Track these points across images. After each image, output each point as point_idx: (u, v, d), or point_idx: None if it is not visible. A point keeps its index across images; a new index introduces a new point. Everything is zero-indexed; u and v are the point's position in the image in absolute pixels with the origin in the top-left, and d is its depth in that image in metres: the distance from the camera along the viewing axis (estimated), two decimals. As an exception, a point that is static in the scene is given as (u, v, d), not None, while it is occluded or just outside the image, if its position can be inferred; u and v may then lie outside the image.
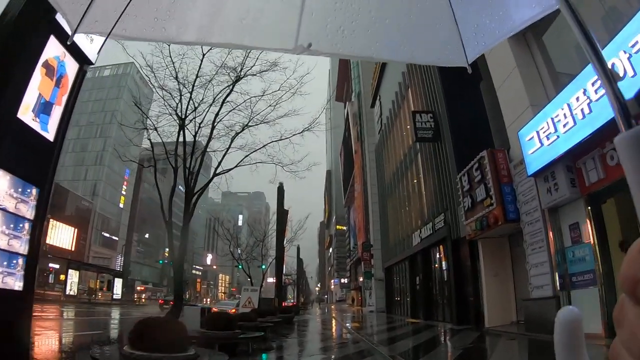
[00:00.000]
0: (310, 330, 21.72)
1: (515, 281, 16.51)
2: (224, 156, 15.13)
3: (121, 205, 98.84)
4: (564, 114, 10.73)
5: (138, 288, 71.72)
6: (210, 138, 15.10)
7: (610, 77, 0.73)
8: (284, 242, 35.82)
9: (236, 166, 15.43)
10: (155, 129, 15.41)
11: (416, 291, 26.90)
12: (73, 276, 40.19)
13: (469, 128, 18.79)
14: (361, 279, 58.20)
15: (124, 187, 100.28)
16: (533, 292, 12.85)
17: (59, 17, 3.46)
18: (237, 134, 15.46)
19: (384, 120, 37.76)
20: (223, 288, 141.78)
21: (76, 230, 72.61)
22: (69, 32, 1.79)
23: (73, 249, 70.71)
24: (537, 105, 12.57)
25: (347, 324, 23.65)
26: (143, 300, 69.59)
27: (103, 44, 2.35)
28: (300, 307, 44.58)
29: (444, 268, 22.09)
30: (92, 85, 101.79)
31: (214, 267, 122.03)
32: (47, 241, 63.89)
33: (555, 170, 11.66)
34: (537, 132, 12.08)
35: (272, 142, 16.14)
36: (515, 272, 16.57)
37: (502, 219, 14.37)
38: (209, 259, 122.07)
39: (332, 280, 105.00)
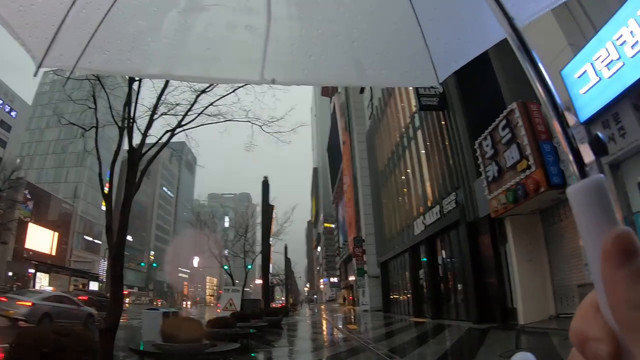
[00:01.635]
0: (301, 335, 18.11)
1: (552, 267, 13.13)
2: (186, 113, 11.39)
3: (103, 208, 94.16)
4: (631, 32, 8.10)
5: (121, 292, 67.23)
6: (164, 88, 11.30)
7: (563, 123, 0.63)
8: (270, 239, 32.42)
9: (198, 115, 11.68)
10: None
11: (419, 286, 23.38)
12: (42, 279, 36.14)
13: (480, 93, 16.06)
14: (352, 278, 55.81)
15: (106, 189, 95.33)
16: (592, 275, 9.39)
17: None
18: (203, 91, 11.70)
19: (375, 103, 34.70)
20: (211, 290, 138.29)
21: (57, 234, 69.40)
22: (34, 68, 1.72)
23: (54, 254, 66.97)
24: (575, 45, 10.38)
25: (343, 327, 20.08)
26: (126, 305, 65.37)
27: (69, 77, 2.38)
28: (289, 308, 40.87)
29: (457, 257, 18.64)
30: (72, 85, 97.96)
31: (201, 269, 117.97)
32: (27, 245, 60.60)
33: (619, 111, 8.81)
34: (592, 64, 9.23)
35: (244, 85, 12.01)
36: (551, 256, 13.19)
37: (544, 184, 10.97)
38: (195, 261, 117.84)
39: (322, 280, 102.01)
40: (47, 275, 37.55)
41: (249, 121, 12.70)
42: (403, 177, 26.62)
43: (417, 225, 22.96)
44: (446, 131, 18.72)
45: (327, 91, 75.72)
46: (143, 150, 10.54)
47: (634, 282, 0.44)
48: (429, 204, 21.36)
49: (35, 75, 1.80)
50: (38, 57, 1.66)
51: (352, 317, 28.97)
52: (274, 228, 32.86)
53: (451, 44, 1.85)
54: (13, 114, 69.97)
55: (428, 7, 1.75)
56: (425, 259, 22.31)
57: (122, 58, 1.78)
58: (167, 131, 11.07)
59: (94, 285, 43.72)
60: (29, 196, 67.42)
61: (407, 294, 26.16)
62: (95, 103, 12.03)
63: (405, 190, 26.35)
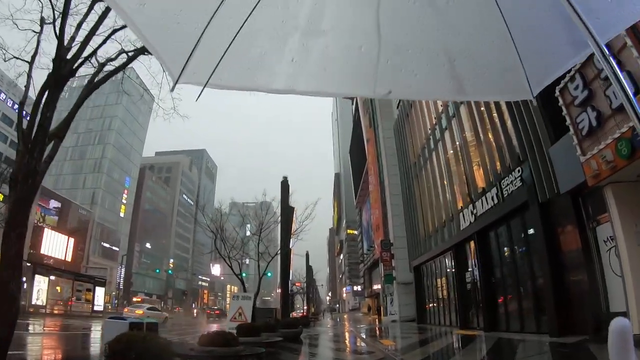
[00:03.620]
0: (325, 354, 14.00)
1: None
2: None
3: (122, 215, 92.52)
4: None
5: (134, 299, 64.13)
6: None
7: None
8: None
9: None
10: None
11: (466, 292, 19.23)
12: (41, 283, 32.78)
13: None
14: (376, 286, 52.47)
15: (125, 195, 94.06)
16: None
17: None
18: None
19: (404, 88, 30.24)
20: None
21: (72, 239, 66.19)
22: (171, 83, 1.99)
23: (70, 260, 64.20)
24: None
25: (375, 341, 16.12)
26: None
27: (200, 94, 2.12)
28: (310, 318, 36.82)
29: (522, 251, 14.56)
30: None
31: (222, 277, 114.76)
32: (42, 251, 58.30)
33: None
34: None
35: None
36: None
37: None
38: (216, 269, 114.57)
39: (344, 288, 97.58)
40: (47, 278, 34.04)
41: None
42: (442, 165, 22.57)
43: (463, 217, 18.88)
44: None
45: (349, 93, 72.27)
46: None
47: None
48: (481, 190, 17.33)
49: (172, 90, 2.94)
50: (175, 74, 1.92)
51: (382, 328, 24.84)
52: (294, 229, 29.07)
53: (543, 60, 2.01)
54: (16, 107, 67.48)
55: (523, 28, 1.93)
56: (474, 258, 18.25)
57: (248, 75, 2.05)
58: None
59: (100, 291, 40.09)
60: (57, 204, 66.00)
61: (448, 301, 21.99)
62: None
63: (445, 178, 22.29)
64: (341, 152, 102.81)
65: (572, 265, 11.66)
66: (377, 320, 42.11)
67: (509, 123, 14.74)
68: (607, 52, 0.80)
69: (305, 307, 56.01)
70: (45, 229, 60.89)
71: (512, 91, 2.19)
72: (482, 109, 17.17)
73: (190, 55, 1.83)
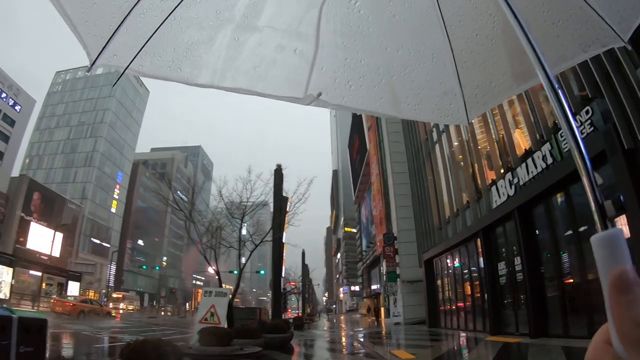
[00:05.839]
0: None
1: None
2: None
3: (113, 210, 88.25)
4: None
5: (114, 295, 59.79)
6: None
7: (592, 182, 0.73)
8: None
9: None
10: None
11: (498, 288, 15.01)
12: (3, 274, 28.36)
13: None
14: (375, 286, 49.69)
15: (117, 190, 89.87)
16: None
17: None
18: None
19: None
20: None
21: (61, 235, 62.16)
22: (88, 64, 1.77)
23: (57, 255, 59.67)
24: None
25: (386, 352, 11.95)
26: (120, 310, 57.62)
27: (119, 79, 1.97)
28: (305, 319, 32.51)
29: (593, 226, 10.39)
30: (84, 84, 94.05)
31: (216, 277, 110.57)
32: (28, 246, 54.02)
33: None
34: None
35: None
36: None
37: None
38: (211, 268, 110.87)
39: (341, 289, 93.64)
40: (11, 269, 29.61)
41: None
42: (464, 131, 18.30)
43: (497, 192, 14.72)
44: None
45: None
46: None
47: (635, 305, 0.52)
48: (524, 152, 13.24)
49: (88, 71, 1.81)
50: (93, 55, 1.69)
51: (389, 333, 20.52)
52: (287, 219, 24.66)
53: (483, 87, 1.94)
54: (17, 108, 63.91)
55: (466, 51, 1.86)
56: (512, 244, 14.11)
57: (173, 66, 1.82)
58: None
59: (74, 286, 35.68)
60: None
61: (472, 300, 17.71)
62: None
63: (468, 149, 18.14)
64: (339, 149, 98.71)
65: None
66: (375, 322, 38.31)
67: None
68: (556, 85, 0.78)
69: (300, 308, 51.79)
70: (32, 223, 56.47)
71: (447, 115, 2.03)
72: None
73: (112, 36, 1.62)
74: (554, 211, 12.32)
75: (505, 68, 1.82)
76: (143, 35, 1.67)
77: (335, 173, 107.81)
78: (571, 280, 11.50)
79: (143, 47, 1.69)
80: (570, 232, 11.45)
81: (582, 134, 8.77)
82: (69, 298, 34.33)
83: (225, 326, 12.45)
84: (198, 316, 13.52)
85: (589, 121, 9.94)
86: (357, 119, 56.80)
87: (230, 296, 14.22)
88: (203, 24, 1.77)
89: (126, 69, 1.73)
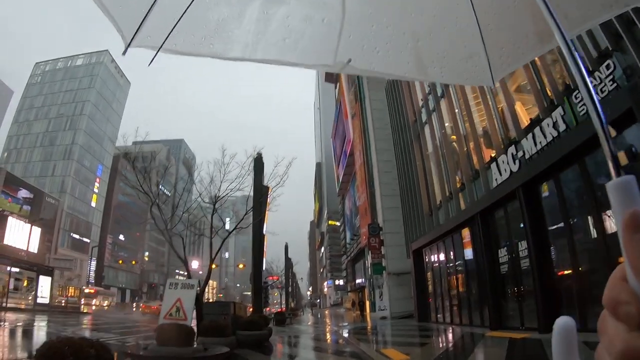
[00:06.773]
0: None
1: None
2: None
3: (93, 204, 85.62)
4: None
5: (86, 291, 57.39)
6: None
7: (606, 134, 0.74)
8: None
9: None
10: None
11: (499, 277, 13.41)
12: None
13: None
14: (359, 280, 48.73)
15: (97, 184, 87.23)
16: None
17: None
18: None
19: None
20: (211, 295, 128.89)
21: (37, 229, 58.77)
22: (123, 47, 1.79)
23: (35, 251, 56.84)
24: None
25: (376, 352, 10.32)
26: (93, 306, 55.33)
27: (153, 59, 1.91)
28: (287, 314, 30.92)
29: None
30: (63, 76, 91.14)
31: (200, 272, 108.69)
32: (6, 242, 51.12)
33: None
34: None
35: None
36: None
37: None
38: (195, 264, 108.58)
39: (325, 283, 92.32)
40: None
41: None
42: (457, 104, 16.70)
43: (498, 169, 13.16)
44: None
45: (332, 77, 67.60)
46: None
47: None
48: (530, 121, 11.65)
49: (124, 54, 1.79)
50: (127, 37, 1.71)
51: (377, 328, 18.89)
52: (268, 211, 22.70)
53: (507, 48, 1.92)
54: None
55: (489, 13, 1.82)
56: (516, 227, 12.55)
57: (205, 42, 1.83)
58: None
59: (45, 281, 33.44)
60: (28, 195, 59.67)
61: (467, 292, 16.10)
62: None
63: (463, 124, 16.54)
64: (323, 142, 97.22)
65: None
66: (361, 316, 36.93)
67: None
68: (573, 47, 0.79)
69: (284, 303, 50.18)
70: (10, 218, 53.55)
71: (473, 77, 2.06)
72: None
73: (145, 17, 1.65)
74: (568, 186, 10.75)
75: (528, 28, 1.77)
76: (174, 14, 1.68)
77: (318, 166, 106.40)
78: (586, 267, 9.93)
79: (175, 26, 1.70)
80: (590, 208, 9.83)
81: (602, 92, 7.20)
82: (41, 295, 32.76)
83: (194, 323, 10.93)
84: (162, 311, 11.70)
85: (611, 77, 8.36)
86: (341, 108, 55.37)
87: (199, 289, 12.38)
88: (232, 0, 1.81)
89: (160, 48, 1.74)
